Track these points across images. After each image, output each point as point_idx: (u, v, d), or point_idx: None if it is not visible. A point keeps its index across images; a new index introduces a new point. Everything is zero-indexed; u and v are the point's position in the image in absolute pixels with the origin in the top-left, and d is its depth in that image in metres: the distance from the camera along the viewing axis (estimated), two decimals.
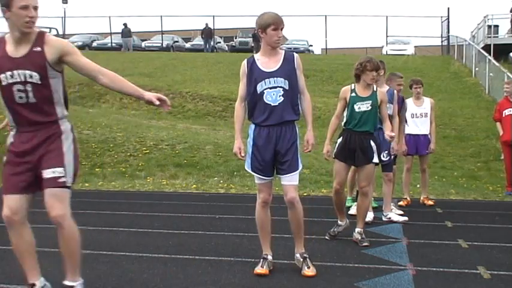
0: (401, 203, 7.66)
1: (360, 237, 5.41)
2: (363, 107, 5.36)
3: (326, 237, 5.58)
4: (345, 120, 5.52)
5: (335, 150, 5.49)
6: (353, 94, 5.42)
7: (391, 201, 6.73)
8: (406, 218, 6.53)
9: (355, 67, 5.39)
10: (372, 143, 5.39)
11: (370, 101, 5.37)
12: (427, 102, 7.81)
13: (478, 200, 8.65)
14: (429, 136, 7.81)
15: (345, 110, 5.50)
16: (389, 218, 6.50)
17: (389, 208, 6.64)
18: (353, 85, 5.49)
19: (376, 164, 5.54)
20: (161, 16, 32.35)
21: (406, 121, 7.73)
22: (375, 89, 5.44)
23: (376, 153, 5.42)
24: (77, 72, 3.68)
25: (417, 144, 7.74)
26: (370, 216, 6.35)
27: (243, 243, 5.52)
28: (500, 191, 9.30)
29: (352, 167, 5.84)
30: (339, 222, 5.65)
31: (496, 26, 26.42)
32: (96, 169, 11.12)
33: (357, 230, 5.48)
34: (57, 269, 4.58)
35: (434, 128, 7.99)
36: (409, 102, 7.76)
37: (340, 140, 5.51)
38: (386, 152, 6.40)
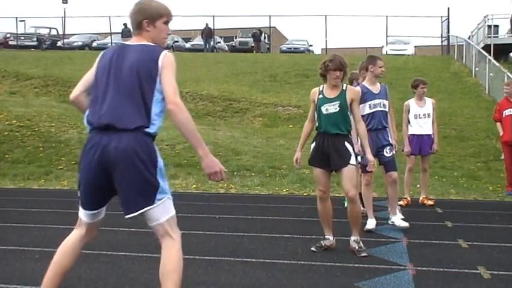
0: (401, 202, 7.65)
1: (357, 247, 5.08)
2: (330, 108, 5.08)
3: (313, 249, 5.19)
4: (316, 123, 5.26)
5: (309, 156, 5.22)
6: (320, 96, 5.17)
7: (397, 204, 6.43)
8: (407, 224, 6.15)
9: (320, 67, 5.16)
10: (347, 145, 5.07)
11: (338, 102, 5.08)
12: (429, 103, 7.80)
13: (478, 200, 8.65)
14: (432, 136, 7.81)
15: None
16: (393, 222, 6.20)
17: (395, 211, 6.32)
18: (321, 86, 5.25)
19: (354, 165, 5.13)
20: None
21: (409, 122, 7.74)
22: (344, 88, 5.16)
23: (353, 155, 5.08)
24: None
25: (421, 144, 7.74)
26: (372, 223, 6.11)
27: (243, 243, 5.52)
28: (500, 191, 9.29)
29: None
30: (326, 235, 5.29)
31: (496, 26, 26.40)
32: None
33: (352, 238, 5.16)
34: None
35: (436, 128, 7.98)
36: (412, 103, 7.77)
37: (313, 145, 5.23)
38: (388, 148, 6.14)
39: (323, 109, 5.11)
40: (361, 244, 5.11)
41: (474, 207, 8.02)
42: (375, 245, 5.39)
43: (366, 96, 6.08)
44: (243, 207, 7.80)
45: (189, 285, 4.22)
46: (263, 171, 10.53)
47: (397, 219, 6.21)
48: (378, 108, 6.16)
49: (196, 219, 6.93)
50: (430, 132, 7.78)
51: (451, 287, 4.23)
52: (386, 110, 6.24)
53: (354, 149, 5.12)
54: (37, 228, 6.31)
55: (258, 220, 6.82)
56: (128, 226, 6.38)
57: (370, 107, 6.15)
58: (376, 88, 6.21)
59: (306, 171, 10.24)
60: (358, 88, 5.81)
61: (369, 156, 5.28)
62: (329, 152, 5.06)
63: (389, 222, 6.22)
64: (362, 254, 4.99)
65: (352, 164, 5.03)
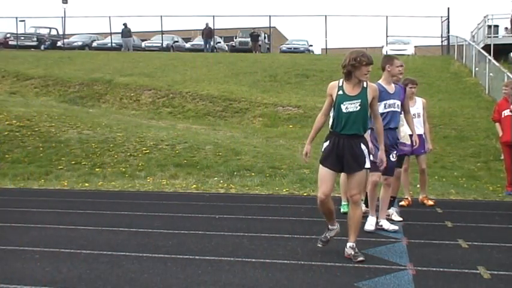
0: (402, 203, 7.66)
1: (353, 252, 4.86)
2: (350, 107, 4.82)
3: (319, 245, 5.10)
4: (331, 121, 5.00)
5: (321, 156, 4.94)
6: (340, 92, 4.86)
7: (387, 207, 6.34)
8: (396, 227, 6.09)
9: (347, 63, 4.80)
10: (363, 147, 4.88)
11: (359, 100, 4.83)
12: (419, 102, 7.73)
13: (478, 200, 8.64)
14: (424, 136, 7.74)
15: (332, 109, 5.00)
16: (381, 225, 6.13)
17: (385, 215, 6.24)
18: (341, 81, 4.93)
19: (368, 168, 5.01)
20: (161, 16, 32.33)
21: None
22: (365, 86, 4.89)
23: (367, 158, 4.90)
24: None
25: (412, 145, 7.61)
26: (372, 222, 6.01)
27: (243, 243, 5.52)
28: (500, 191, 9.29)
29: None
30: (330, 226, 5.11)
31: (496, 26, 26.38)
32: (96, 169, 11.12)
33: (348, 244, 4.93)
34: (57, 269, 4.60)
35: (428, 127, 7.90)
36: None
37: (326, 144, 4.94)
38: (395, 152, 6.08)
39: (343, 107, 4.83)
40: (357, 249, 4.91)
41: (474, 207, 8.02)
42: (375, 245, 5.38)
43: (381, 95, 5.85)
44: (243, 207, 7.79)
45: (189, 285, 4.22)
46: (263, 171, 10.53)
47: (386, 223, 6.14)
48: (392, 109, 6.05)
49: (196, 219, 6.93)
50: (421, 132, 7.67)
51: (451, 287, 4.23)
52: (399, 110, 6.15)
53: (368, 151, 4.96)
54: (37, 228, 6.31)
55: (258, 220, 6.82)
56: (127, 226, 6.39)
57: (385, 106, 6.00)
58: (391, 88, 6.12)
59: (306, 171, 10.24)
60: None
61: (381, 154, 5.24)
62: (343, 153, 4.85)
63: (378, 225, 6.11)
64: (359, 259, 4.80)
65: (365, 168, 4.91)
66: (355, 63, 4.78)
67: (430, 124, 8.28)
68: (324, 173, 4.91)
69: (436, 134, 13.45)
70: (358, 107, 4.83)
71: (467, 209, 7.79)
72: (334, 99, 4.91)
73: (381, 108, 5.97)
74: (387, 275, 4.45)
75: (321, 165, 4.95)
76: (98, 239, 5.77)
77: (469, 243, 5.55)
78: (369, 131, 6.06)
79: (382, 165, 5.31)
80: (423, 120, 7.71)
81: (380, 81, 6.19)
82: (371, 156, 5.25)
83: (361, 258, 4.82)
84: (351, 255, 4.88)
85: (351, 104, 4.84)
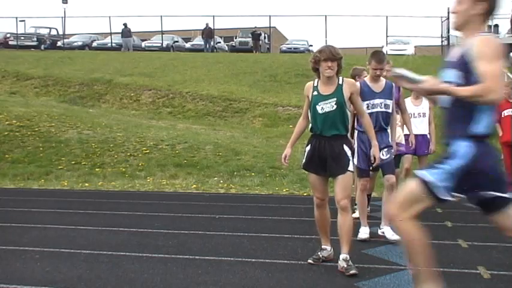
0: None
1: (345, 265, 4.45)
2: (326, 107, 4.53)
3: (309, 261, 4.73)
4: (310, 124, 4.73)
5: (303, 160, 4.73)
6: (315, 93, 4.60)
7: None
8: (398, 237, 5.80)
9: (310, 60, 4.61)
10: (346, 148, 4.56)
11: (335, 99, 4.52)
12: (425, 102, 7.67)
13: None
14: (428, 136, 7.71)
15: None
16: (383, 233, 5.71)
17: (388, 222, 5.55)
18: (316, 81, 4.66)
19: (352, 171, 4.65)
20: (161, 16, 32.32)
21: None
22: (340, 82, 4.59)
23: (351, 160, 4.58)
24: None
25: (416, 145, 7.55)
26: (366, 231, 5.61)
27: (243, 243, 5.52)
28: None
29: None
30: (323, 245, 4.80)
31: (496, 26, 26.39)
32: (96, 169, 11.13)
33: (341, 256, 4.51)
34: (57, 269, 4.60)
35: (434, 128, 7.81)
36: (407, 101, 7.67)
37: (308, 148, 4.69)
38: (385, 149, 5.57)
39: (318, 108, 4.56)
40: (350, 262, 4.50)
41: (474, 207, 7.99)
42: (375, 245, 5.38)
43: (364, 94, 5.47)
44: (243, 207, 7.80)
45: (189, 285, 4.22)
46: (263, 171, 10.54)
47: (388, 232, 5.64)
48: (378, 109, 5.59)
49: (196, 219, 6.93)
50: (426, 133, 7.62)
51: (451, 287, 4.23)
52: (389, 110, 5.65)
53: (352, 153, 4.64)
54: (37, 228, 6.31)
55: (258, 220, 6.82)
56: (127, 226, 6.39)
57: (368, 106, 5.55)
58: (378, 86, 5.65)
59: (306, 172, 10.23)
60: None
61: (374, 150, 4.81)
62: (325, 156, 4.57)
63: (379, 232, 5.79)
64: (351, 272, 4.41)
65: (349, 171, 4.56)
66: (314, 60, 4.57)
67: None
68: (313, 179, 4.73)
69: (436, 134, 13.44)
70: (334, 106, 4.53)
71: (467, 209, 7.78)
72: (309, 100, 4.66)
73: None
74: (387, 275, 4.45)
75: (306, 171, 4.78)
76: (98, 239, 5.77)
77: (469, 243, 5.55)
78: (355, 133, 5.82)
79: (375, 163, 4.95)
80: (429, 121, 7.64)
81: (366, 79, 5.82)
82: (355, 160, 4.99)
83: (353, 272, 4.40)
84: (343, 269, 4.47)
85: (326, 103, 4.55)
